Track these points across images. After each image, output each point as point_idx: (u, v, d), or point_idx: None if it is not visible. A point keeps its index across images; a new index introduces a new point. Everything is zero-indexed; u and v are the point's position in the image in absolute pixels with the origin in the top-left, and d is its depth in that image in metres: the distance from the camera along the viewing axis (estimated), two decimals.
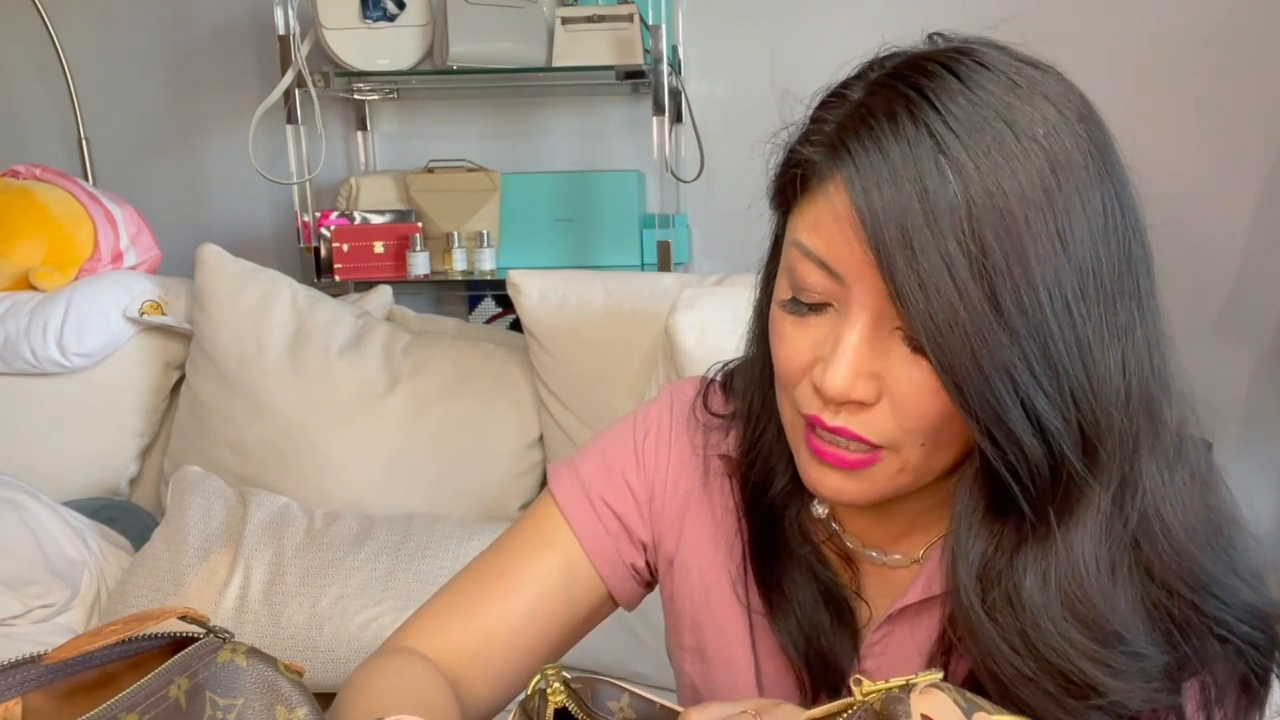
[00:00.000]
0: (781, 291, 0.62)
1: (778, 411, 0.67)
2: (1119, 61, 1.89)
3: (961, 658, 0.64)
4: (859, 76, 0.60)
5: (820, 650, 0.69)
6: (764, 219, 0.71)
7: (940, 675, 0.47)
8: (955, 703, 0.45)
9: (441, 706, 0.67)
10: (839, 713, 0.47)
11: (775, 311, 0.63)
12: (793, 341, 0.61)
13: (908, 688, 0.45)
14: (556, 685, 0.53)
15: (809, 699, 0.71)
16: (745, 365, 0.74)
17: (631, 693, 0.55)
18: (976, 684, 0.63)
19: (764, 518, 0.72)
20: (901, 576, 0.70)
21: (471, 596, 0.75)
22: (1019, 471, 0.56)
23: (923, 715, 0.43)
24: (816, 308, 0.60)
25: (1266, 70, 1.89)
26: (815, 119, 0.60)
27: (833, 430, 0.60)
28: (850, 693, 0.47)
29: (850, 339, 0.57)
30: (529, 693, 0.54)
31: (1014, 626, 0.58)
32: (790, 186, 0.61)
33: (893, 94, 0.56)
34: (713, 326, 1.46)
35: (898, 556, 0.70)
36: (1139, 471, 0.58)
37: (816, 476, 0.63)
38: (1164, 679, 0.59)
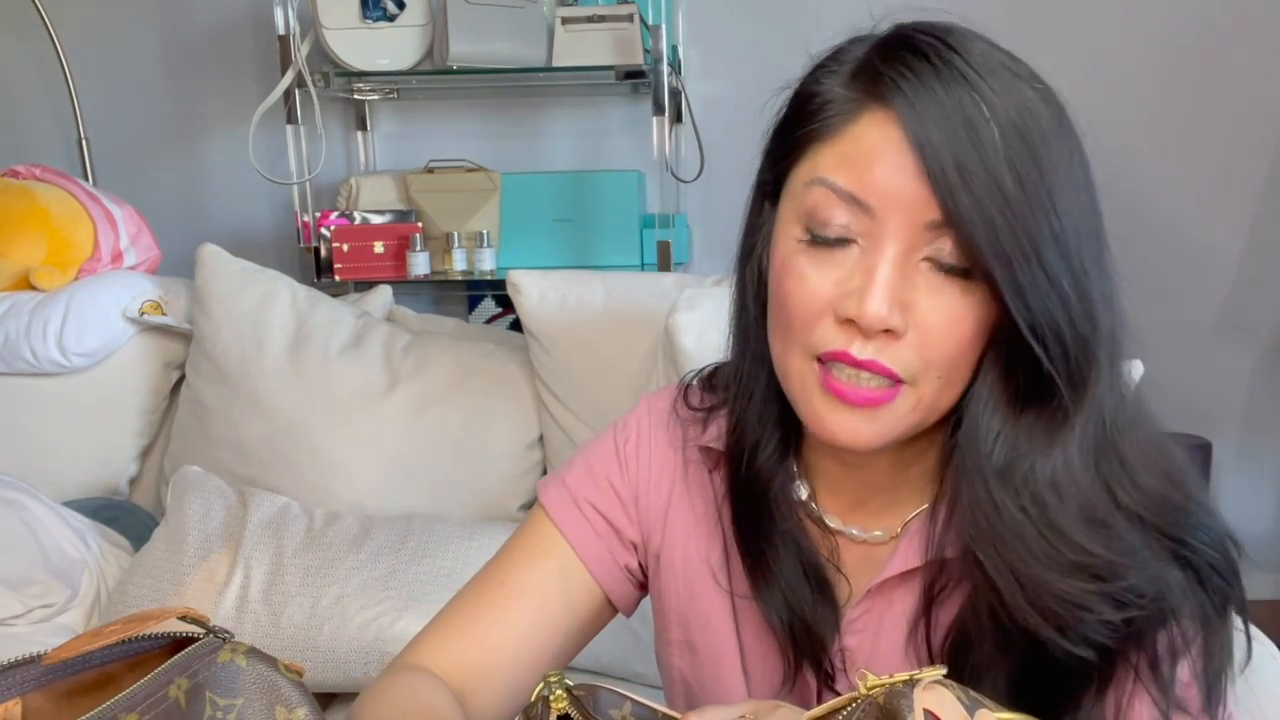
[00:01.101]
0: (794, 232, 0.63)
1: (767, 375, 0.69)
2: (1120, 60, 1.88)
3: (942, 611, 0.67)
4: (854, 41, 0.64)
5: (804, 620, 0.71)
6: None
7: (944, 672, 0.47)
8: (958, 699, 0.45)
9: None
10: (841, 708, 0.47)
11: (787, 254, 0.64)
12: (812, 280, 0.62)
13: (911, 683, 0.45)
14: (559, 692, 0.54)
15: (793, 673, 0.73)
16: (738, 322, 0.75)
17: (634, 700, 0.55)
18: (958, 643, 0.65)
19: (748, 493, 0.73)
20: (880, 553, 0.73)
21: (474, 610, 0.77)
22: (1049, 356, 0.60)
23: (926, 710, 0.43)
24: (840, 243, 0.61)
25: (1267, 70, 1.89)
26: (828, 64, 0.64)
27: (861, 364, 0.61)
28: (854, 686, 0.47)
29: (884, 268, 0.60)
30: (532, 700, 0.55)
31: (1041, 515, 0.60)
32: (809, 127, 0.63)
33: (909, 42, 0.60)
34: (713, 326, 1.45)
35: (878, 533, 0.73)
36: (1103, 390, 0.62)
37: (836, 422, 0.63)
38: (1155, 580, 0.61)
